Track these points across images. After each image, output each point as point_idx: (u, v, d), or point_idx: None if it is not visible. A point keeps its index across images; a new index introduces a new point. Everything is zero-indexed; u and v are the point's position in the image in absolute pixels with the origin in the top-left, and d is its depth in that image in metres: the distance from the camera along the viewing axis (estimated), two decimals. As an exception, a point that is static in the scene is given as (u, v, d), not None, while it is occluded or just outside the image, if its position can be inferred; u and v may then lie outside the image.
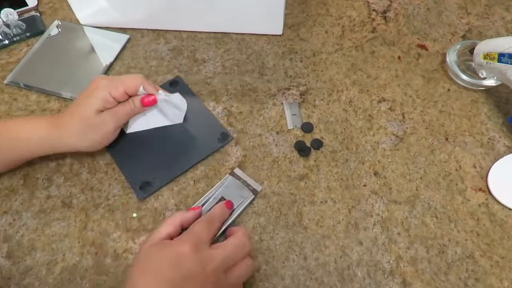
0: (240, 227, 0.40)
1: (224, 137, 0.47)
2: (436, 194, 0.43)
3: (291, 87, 0.52)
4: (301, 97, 0.51)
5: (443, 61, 0.55)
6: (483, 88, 0.51)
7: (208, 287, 0.32)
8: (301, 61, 0.55)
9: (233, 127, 0.48)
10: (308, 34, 0.58)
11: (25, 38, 0.57)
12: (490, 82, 0.49)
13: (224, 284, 0.33)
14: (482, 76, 0.49)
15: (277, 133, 0.48)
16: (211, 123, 0.48)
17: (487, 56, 0.47)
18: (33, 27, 0.58)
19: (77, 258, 0.40)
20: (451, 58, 0.52)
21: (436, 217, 0.42)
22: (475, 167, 0.45)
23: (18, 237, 0.41)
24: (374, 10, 0.61)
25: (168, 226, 0.36)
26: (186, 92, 0.51)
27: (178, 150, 0.46)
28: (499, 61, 0.45)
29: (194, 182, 0.44)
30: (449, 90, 0.52)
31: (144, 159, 0.46)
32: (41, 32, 0.58)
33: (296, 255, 0.40)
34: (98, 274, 0.39)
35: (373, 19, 0.60)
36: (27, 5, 0.60)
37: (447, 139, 0.47)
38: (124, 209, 0.43)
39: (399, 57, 0.55)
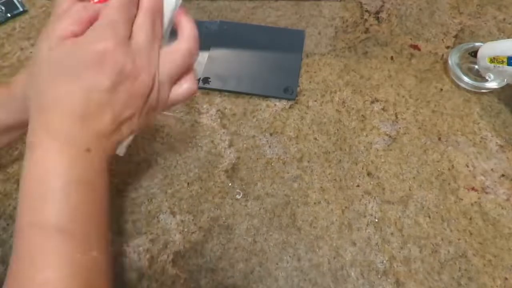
0: (188, 19, 0.30)
1: (290, 91, 0.50)
2: (429, 193, 0.44)
3: (285, 89, 0.52)
4: (295, 98, 0.51)
5: (436, 61, 0.55)
6: (486, 91, 0.51)
7: (148, 92, 0.26)
8: (294, 63, 0.55)
9: (226, 129, 0.48)
10: (301, 36, 0.58)
11: (5, 19, 0.60)
12: (493, 84, 0.50)
13: (164, 98, 0.28)
14: (490, 80, 0.49)
15: (271, 134, 0.48)
16: (290, 74, 0.51)
17: (494, 59, 0.47)
18: (13, 8, 0.61)
19: (71, 262, 0.40)
20: (453, 60, 0.53)
21: (429, 217, 0.42)
22: (467, 167, 0.45)
23: (12, 241, 0.41)
24: (367, 10, 0.61)
25: (69, 19, 0.26)
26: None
27: (256, 73, 0.50)
28: (509, 64, 0.45)
29: (188, 184, 0.44)
30: (441, 90, 0.52)
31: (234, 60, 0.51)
32: (22, 13, 0.61)
33: (289, 256, 0.40)
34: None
35: (366, 20, 0.60)
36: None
37: (439, 138, 0.48)
38: (118, 213, 0.43)
39: (391, 58, 0.55)
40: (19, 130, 0.35)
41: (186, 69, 0.30)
